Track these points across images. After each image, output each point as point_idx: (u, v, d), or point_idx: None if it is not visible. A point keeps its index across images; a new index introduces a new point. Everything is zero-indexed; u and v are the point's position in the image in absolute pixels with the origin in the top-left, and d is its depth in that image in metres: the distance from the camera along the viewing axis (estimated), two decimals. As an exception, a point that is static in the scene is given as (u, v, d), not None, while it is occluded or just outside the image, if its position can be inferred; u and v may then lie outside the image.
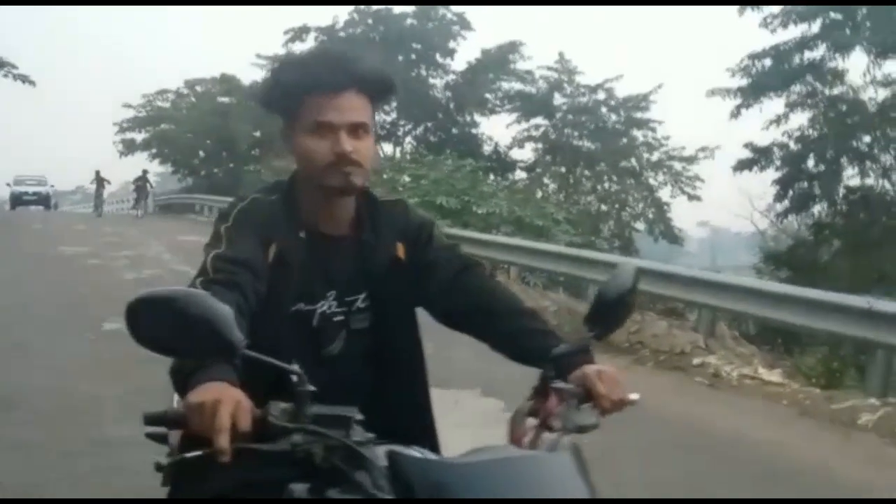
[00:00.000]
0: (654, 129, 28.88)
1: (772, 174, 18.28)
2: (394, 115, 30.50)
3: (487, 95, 30.63)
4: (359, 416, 1.43)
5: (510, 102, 30.35)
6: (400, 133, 31.55)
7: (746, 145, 18.44)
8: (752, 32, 22.72)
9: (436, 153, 20.24)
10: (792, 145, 18.01)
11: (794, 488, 4.67)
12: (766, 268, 18.94)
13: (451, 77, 31.11)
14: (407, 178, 16.33)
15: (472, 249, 12.60)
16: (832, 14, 16.80)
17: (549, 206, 16.14)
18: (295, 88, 1.83)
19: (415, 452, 1.54)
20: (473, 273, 1.97)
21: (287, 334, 1.80)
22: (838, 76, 17.88)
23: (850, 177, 17.90)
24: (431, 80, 31.33)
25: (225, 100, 35.07)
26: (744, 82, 18.15)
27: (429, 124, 30.96)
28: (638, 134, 29.24)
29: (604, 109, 29.39)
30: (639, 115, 29.06)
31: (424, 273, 1.95)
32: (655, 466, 4.77)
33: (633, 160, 29.02)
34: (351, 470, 1.42)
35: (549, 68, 29.47)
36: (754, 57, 17.89)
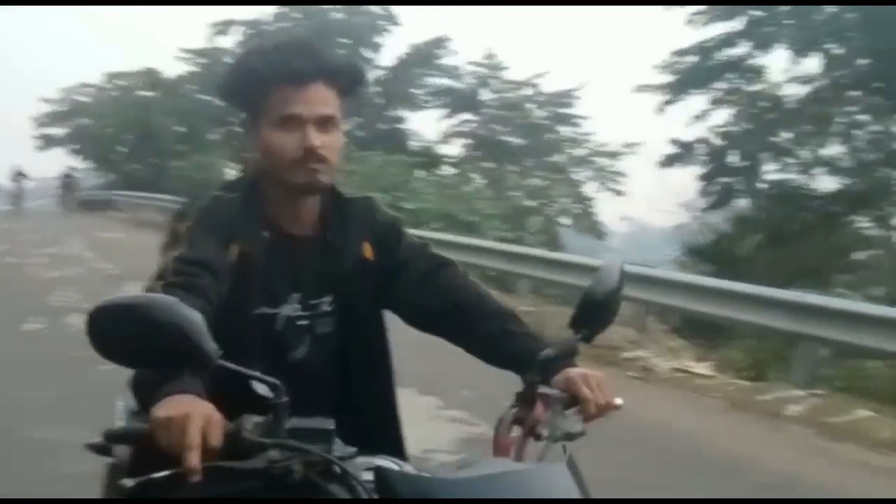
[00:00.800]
0: (579, 125, 29.23)
1: (696, 169, 18.67)
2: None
3: (415, 91, 30.64)
4: (330, 427, 1.35)
5: (438, 98, 30.42)
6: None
7: (672, 141, 18.80)
8: (678, 30, 23.14)
9: (363, 149, 20.18)
10: (715, 141, 18.39)
11: (724, 478, 4.77)
12: (688, 261, 19.28)
13: (379, 72, 30.99)
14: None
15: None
16: (755, 12, 17.18)
17: (478, 202, 16.23)
18: (260, 79, 1.72)
19: (394, 465, 1.47)
20: (446, 272, 1.89)
21: (250, 339, 1.71)
22: (759, 73, 18.30)
23: (771, 172, 18.34)
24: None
25: (148, 94, 34.27)
26: (670, 79, 18.47)
27: (357, 119, 30.79)
28: (564, 130, 29.56)
29: (530, 105, 29.66)
30: (565, 111, 29.39)
31: (394, 273, 1.88)
32: (588, 460, 4.80)
33: (560, 155, 29.32)
34: (332, 486, 1.34)
35: (477, 64, 29.63)
36: (680, 54, 18.22)
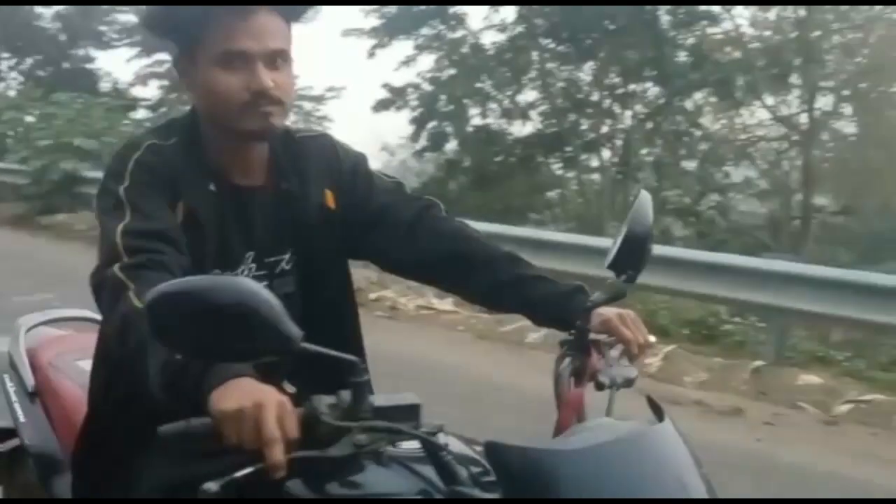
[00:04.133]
0: (282, 67, 28.80)
1: (408, 114, 19.11)
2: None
3: (103, 28, 28.49)
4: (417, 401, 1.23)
5: (129, 36, 28.50)
6: (3, 67, 28.43)
7: (383, 85, 19.08)
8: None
9: (48, 90, 18.58)
10: (424, 86, 18.94)
11: (485, 399, 5.08)
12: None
13: (61, 7, 28.50)
14: (32, 119, 14.78)
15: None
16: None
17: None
18: (195, 8, 1.50)
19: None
20: (430, 215, 1.76)
21: None
22: (460, 21, 19.01)
23: (475, 116, 19.25)
24: (37, 9, 28.46)
25: None
26: (377, 23, 18.66)
27: (38, 57, 28.21)
28: (266, 71, 29.00)
29: (231, 46, 28.74)
30: (266, 52, 28.79)
31: (370, 222, 1.72)
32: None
33: (263, 98, 28.80)
34: (424, 466, 1.24)
35: None
36: (387, -1, 18.43)
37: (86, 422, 1.72)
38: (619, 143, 18.74)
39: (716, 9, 18.84)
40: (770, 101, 21.09)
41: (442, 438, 1.26)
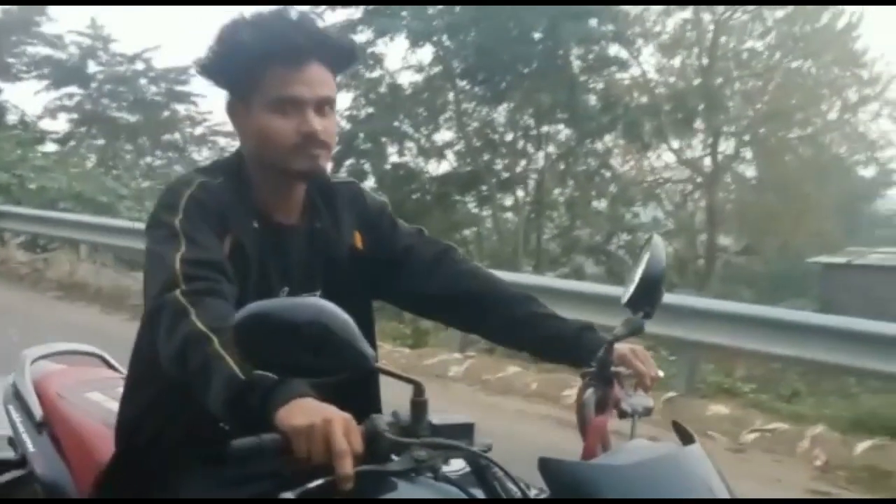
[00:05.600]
0: (196, 104, 28.58)
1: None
2: None
3: (11, 60, 27.86)
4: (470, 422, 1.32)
5: (38, 68, 27.94)
6: None
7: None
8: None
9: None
10: (343, 123, 19.07)
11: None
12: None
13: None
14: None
15: (33, 227, 11.64)
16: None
17: (108, 181, 15.33)
18: (253, 58, 1.60)
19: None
20: (450, 257, 1.84)
21: None
22: (378, 60, 19.27)
23: (393, 154, 19.48)
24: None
25: None
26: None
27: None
28: (180, 108, 28.73)
29: (143, 80, 28.34)
30: (179, 88, 28.51)
31: (395, 263, 1.81)
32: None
33: (177, 134, 28.49)
34: (476, 482, 1.32)
35: (81, 33, 27.65)
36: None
37: (116, 453, 1.78)
38: (532, 182, 19.20)
39: (624, 54, 19.61)
40: (676, 144, 21.96)
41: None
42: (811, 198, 22.00)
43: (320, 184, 1.75)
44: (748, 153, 23.68)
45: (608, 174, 19.61)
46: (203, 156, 28.26)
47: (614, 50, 19.01)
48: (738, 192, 24.17)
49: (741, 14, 21.62)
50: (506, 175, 19.13)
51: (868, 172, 25.83)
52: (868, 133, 24.23)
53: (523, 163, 19.14)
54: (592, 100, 18.60)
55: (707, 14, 21.49)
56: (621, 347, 1.65)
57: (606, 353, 1.61)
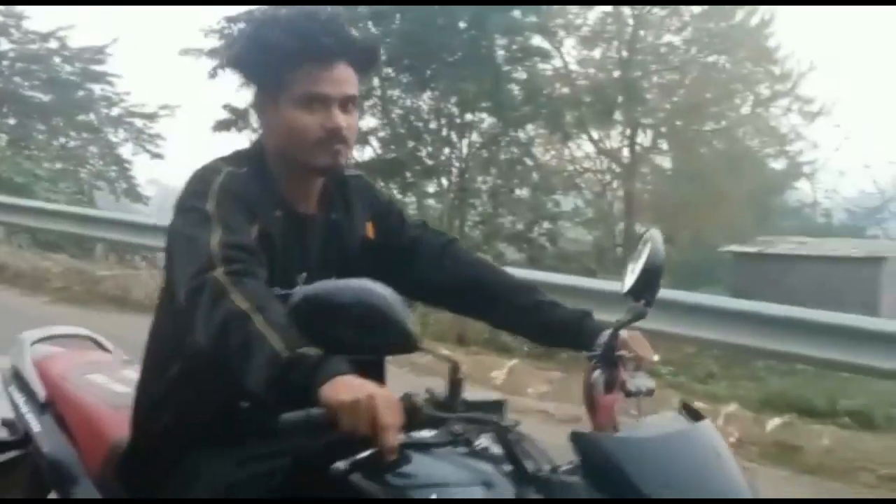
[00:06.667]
0: (112, 84, 27.90)
1: (250, 134, 18.92)
2: None
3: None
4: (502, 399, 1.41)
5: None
6: None
7: (224, 106, 18.86)
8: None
9: None
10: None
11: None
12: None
13: None
14: None
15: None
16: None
17: (25, 162, 14.90)
18: (283, 55, 1.68)
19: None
20: (454, 247, 1.94)
21: None
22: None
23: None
24: None
25: None
26: (217, 44, 18.45)
27: None
28: (96, 87, 28.00)
29: (57, 59, 27.55)
30: (95, 67, 27.80)
31: (404, 253, 1.90)
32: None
33: (93, 115, 27.78)
34: (505, 455, 1.40)
35: (-8, 10, 26.75)
36: (231, 20, 18.29)
37: (135, 436, 1.84)
38: (456, 170, 19.35)
39: (547, 45, 19.89)
40: (595, 135, 22.41)
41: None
42: (724, 189, 22.69)
43: (336, 176, 1.84)
44: (665, 145, 24.33)
45: (530, 163, 19.84)
46: (120, 137, 27.67)
47: (537, 41, 19.28)
48: (655, 182, 24.80)
49: (659, 9, 22.16)
50: (430, 163, 19.20)
51: (779, 165, 26.77)
52: (779, 127, 25.17)
53: (447, 151, 19.25)
54: (516, 90, 18.79)
55: (627, 8, 21.98)
56: (622, 333, 1.75)
57: (612, 339, 1.72)
